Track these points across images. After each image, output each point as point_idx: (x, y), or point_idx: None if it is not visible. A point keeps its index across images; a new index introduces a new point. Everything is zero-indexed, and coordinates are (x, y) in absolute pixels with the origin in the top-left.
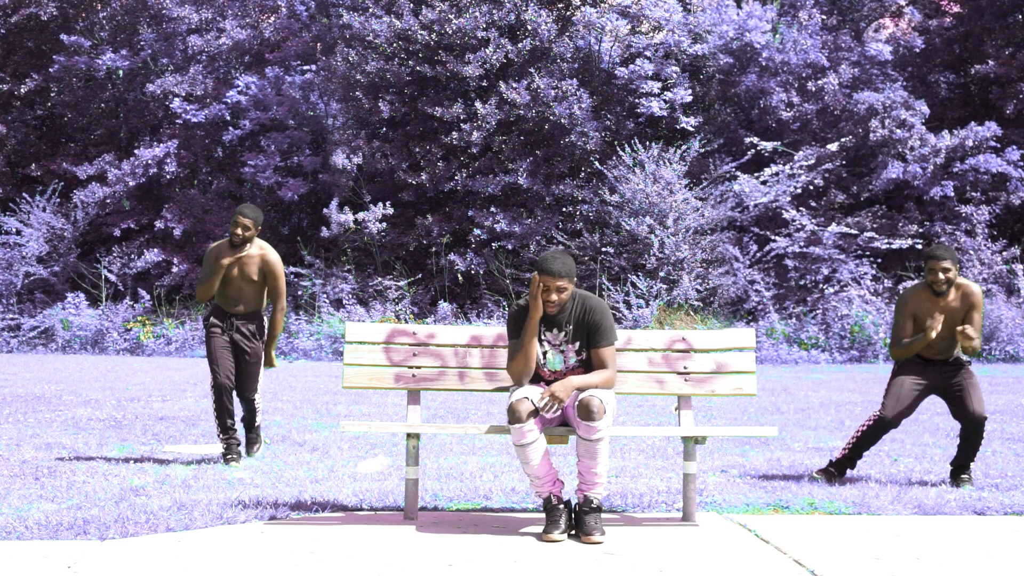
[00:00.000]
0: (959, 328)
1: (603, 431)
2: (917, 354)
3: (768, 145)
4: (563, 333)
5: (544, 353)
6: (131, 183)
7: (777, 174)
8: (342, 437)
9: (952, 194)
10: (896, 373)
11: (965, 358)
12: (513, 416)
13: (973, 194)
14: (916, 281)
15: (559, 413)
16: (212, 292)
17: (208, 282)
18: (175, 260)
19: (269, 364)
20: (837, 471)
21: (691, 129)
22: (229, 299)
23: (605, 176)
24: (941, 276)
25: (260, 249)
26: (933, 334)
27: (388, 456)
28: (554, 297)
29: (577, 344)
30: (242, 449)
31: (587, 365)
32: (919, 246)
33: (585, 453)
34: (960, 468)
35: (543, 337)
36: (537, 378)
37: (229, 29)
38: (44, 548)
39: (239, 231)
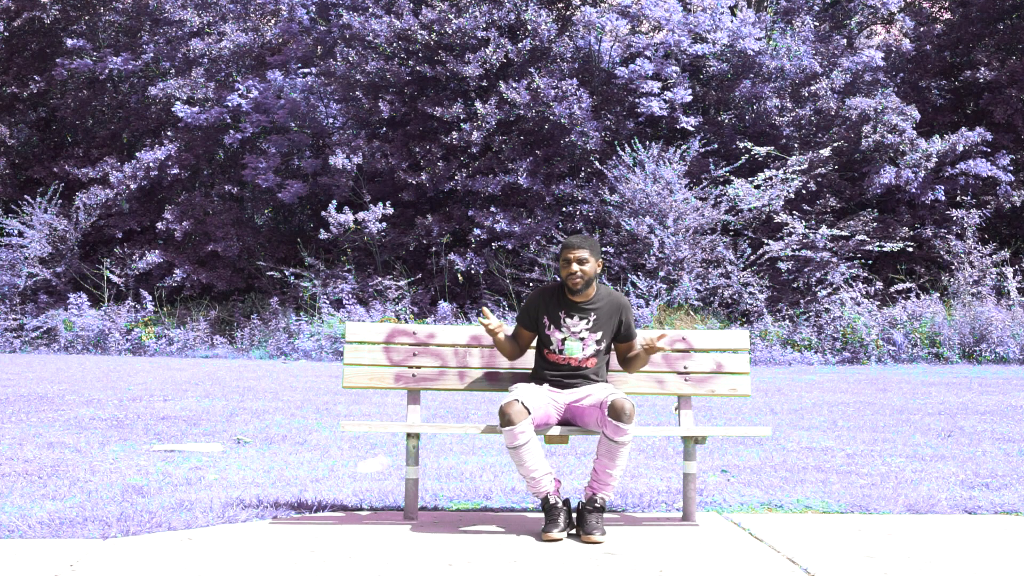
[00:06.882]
0: None
1: (630, 435)
2: None
3: (761, 150)
4: (585, 320)
5: (563, 339)
6: (132, 186)
7: (771, 179)
8: (342, 437)
9: (943, 198)
10: None
11: None
12: (504, 419)
13: (964, 198)
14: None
15: (558, 413)
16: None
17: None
18: (177, 262)
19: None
20: None
21: (691, 129)
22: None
23: (605, 176)
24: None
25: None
26: None
27: (388, 456)
28: (575, 268)
29: (599, 334)
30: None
31: (600, 357)
32: (910, 249)
33: (606, 453)
34: None
35: (564, 323)
36: (540, 376)
37: (230, 33)
38: (46, 546)
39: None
